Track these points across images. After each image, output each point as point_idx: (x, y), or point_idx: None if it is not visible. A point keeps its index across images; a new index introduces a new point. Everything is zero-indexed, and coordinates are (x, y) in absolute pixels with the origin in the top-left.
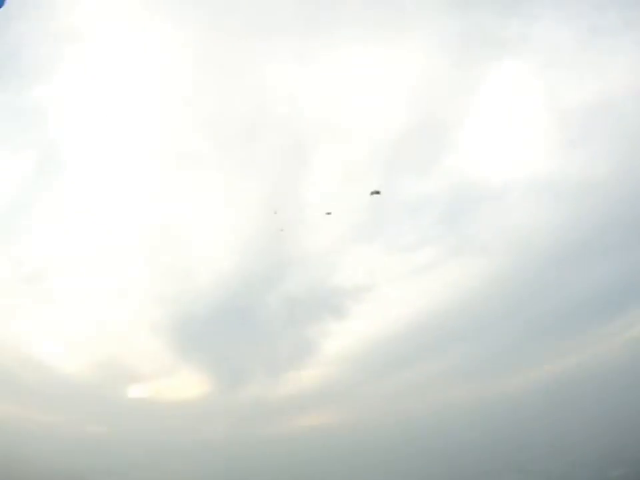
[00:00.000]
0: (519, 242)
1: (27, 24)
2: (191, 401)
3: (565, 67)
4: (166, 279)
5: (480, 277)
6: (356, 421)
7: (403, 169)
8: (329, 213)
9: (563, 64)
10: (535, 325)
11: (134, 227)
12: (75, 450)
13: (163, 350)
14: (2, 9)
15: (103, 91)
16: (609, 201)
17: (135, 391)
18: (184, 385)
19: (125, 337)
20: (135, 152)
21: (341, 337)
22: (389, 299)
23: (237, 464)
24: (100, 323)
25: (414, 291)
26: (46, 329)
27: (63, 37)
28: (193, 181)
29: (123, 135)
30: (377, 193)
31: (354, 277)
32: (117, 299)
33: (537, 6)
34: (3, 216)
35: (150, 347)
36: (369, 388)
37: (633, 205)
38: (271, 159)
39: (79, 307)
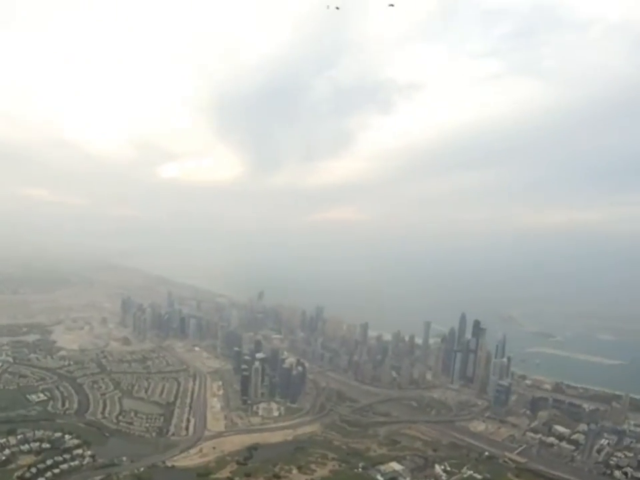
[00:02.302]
0: (589, 79)
1: None
2: (223, 184)
3: None
4: (207, 51)
5: (538, 103)
6: (382, 220)
7: None
8: (391, 5)
9: None
10: (580, 168)
11: None
12: (103, 232)
13: (199, 128)
14: None
15: None
16: None
17: (166, 171)
18: (217, 165)
19: (160, 114)
20: None
21: (382, 133)
22: (439, 104)
23: (264, 250)
24: (134, 98)
25: (468, 101)
26: (77, 107)
27: None
28: None
29: None
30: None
31: (408, 73)
32: (152, 69)
33: None
34: None
35: (186, 124)
36: (400, 189)
37: None
38: None
39: (111, 82)
